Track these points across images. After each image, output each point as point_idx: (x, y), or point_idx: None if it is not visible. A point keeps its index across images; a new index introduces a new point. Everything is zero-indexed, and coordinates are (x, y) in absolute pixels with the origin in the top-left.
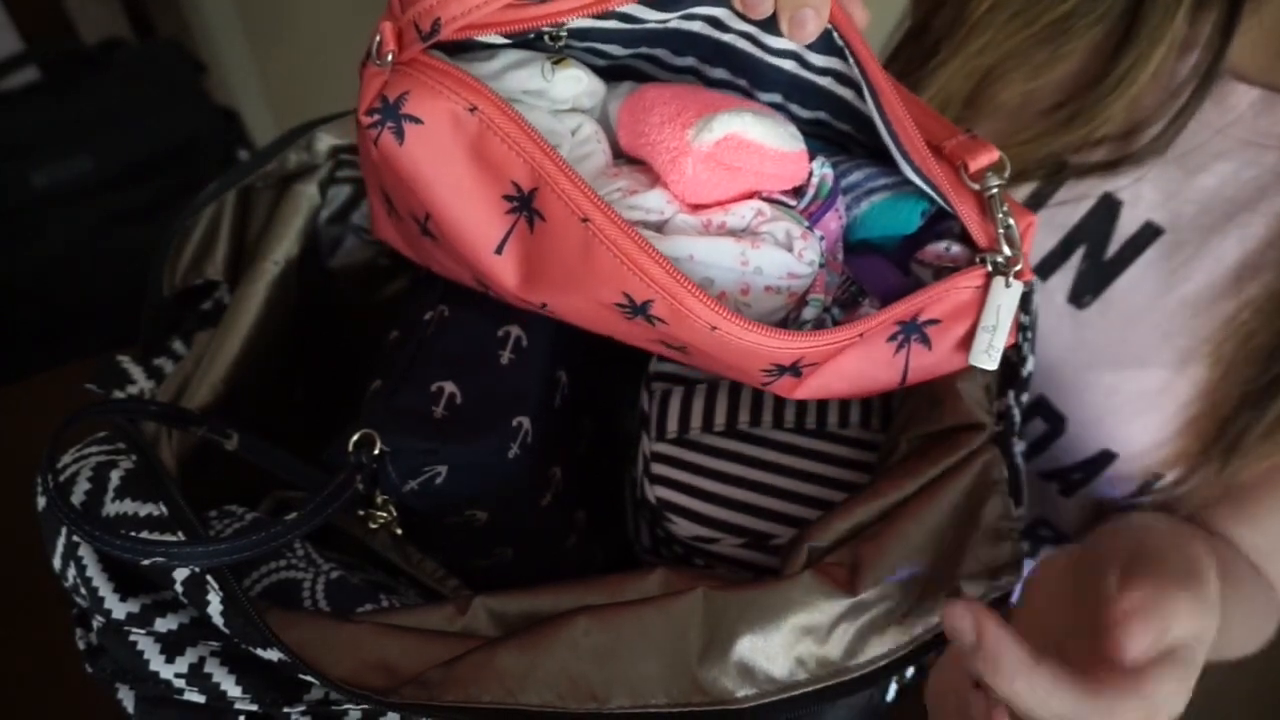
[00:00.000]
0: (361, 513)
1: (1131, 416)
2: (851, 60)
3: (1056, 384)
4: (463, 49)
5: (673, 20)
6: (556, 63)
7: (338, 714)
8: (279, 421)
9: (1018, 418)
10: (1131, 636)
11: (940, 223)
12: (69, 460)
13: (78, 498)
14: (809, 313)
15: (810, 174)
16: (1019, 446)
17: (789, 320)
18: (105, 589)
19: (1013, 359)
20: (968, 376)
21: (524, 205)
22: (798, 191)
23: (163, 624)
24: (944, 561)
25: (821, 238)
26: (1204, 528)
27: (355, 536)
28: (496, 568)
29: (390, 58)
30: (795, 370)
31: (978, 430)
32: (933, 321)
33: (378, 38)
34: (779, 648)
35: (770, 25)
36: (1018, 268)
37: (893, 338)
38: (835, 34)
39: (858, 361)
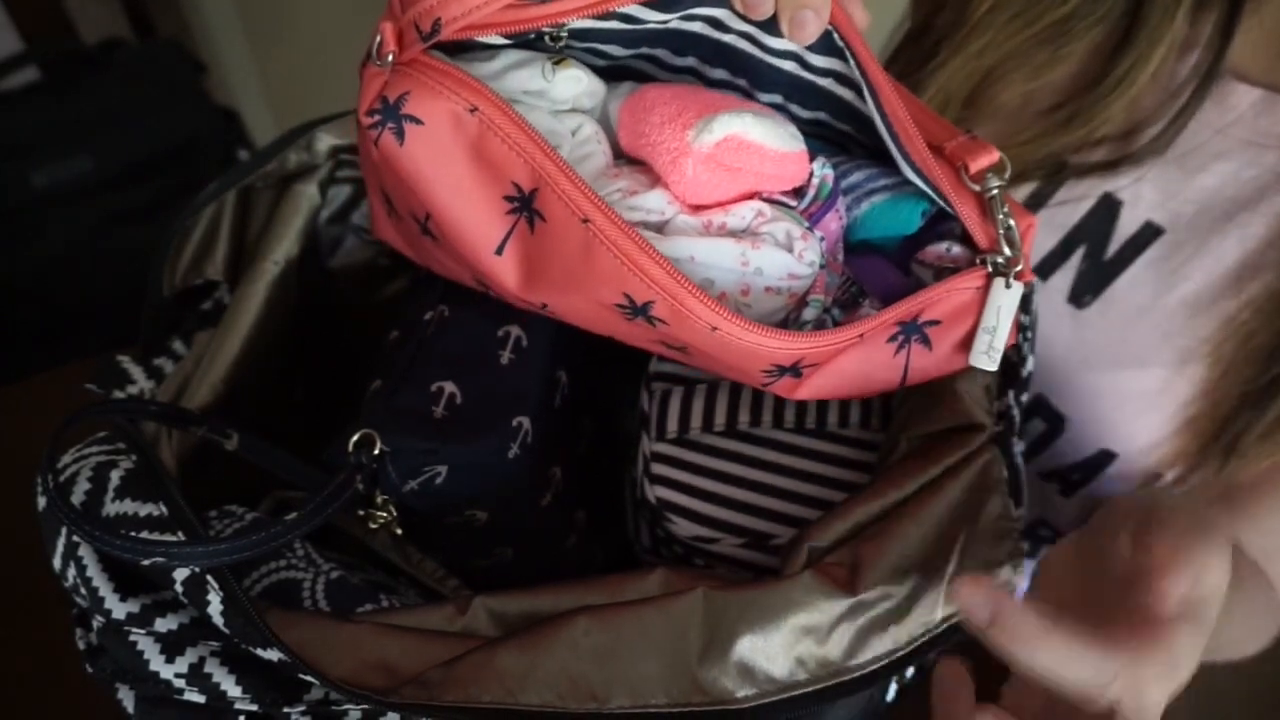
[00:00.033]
0: (361, 513)
1: (1131, 416)
2: (852, 61)
3: (1056, 384)
4: (463, 49)
5: (673, 21)
6: (557, 63)
7: (338, 714)
8: (279, 421)
9: (1018, 418)
10: (1170, 583)
11: (941, 223)
12: (69, 460)
13: (78, 498)
14: (809, 313)
15: (811, 175)
16: (1019, 446)
17: (789, 321)
18: (105, 589)
19: (1013, 359)
20: (968, 376)
21: (524, 206)
22: (798, 192)
23: (163, 624)
24: (944, 561)
25: (822, 238)
26: None
27: (355, 536)
28: (496, 568)
29: (390, 58)
30: (795, 371)
31: (978, 430)
32: (933, 322)
33: (378, 38)
34: (779, 648)
35: (770, 26)
36: (1018, 269)
37: (893, 338)
38: (835, 35)
39: (858, 362)
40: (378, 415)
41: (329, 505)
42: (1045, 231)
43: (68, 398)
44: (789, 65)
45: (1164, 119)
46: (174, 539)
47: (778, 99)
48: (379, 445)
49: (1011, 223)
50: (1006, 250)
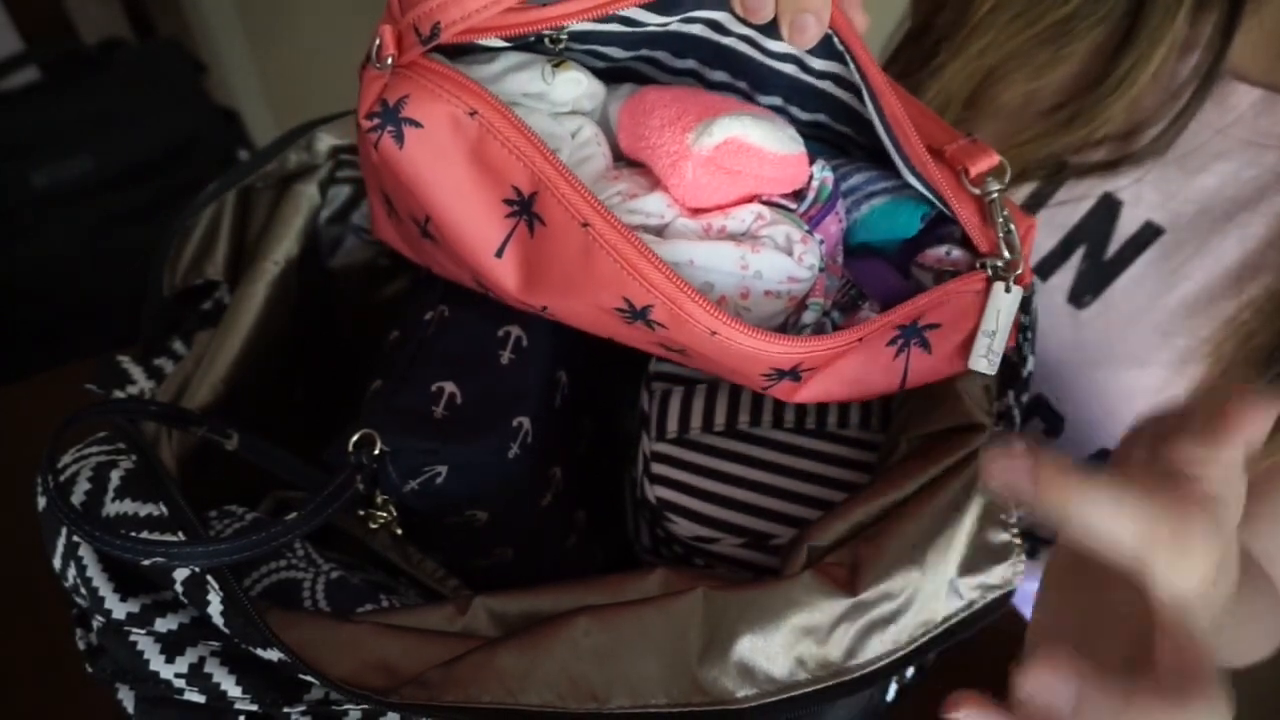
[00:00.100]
0: (361, 513)
1: (1131, 416)
2: (852, 65)
3: (1056, 384)
4: (463, 52)
5: (673, 24)
6: (556, 65)
7: (338, 714)
8: (279, 421)
9: (1018, 418)
10: (1254, 411)
11: (940, 226)
12: (69, 460)
13: (78, 498)
14: (809, 316)
15: (810, 177)
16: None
17: (789, 324)
18: (105, 589)
19: (1013, 359)
20: (968, 377)
21: (524, 209)
22: (798, 195)
23: (163, 624)
24: (944, 562)
25: (821, 241)
26: None
27: (355, 536)
28: (496, 568)
29: (390, 61)
30: (795, 374)
31: (978, 431)
32: (933, 326)
33: (377, 41)
34: (779, 648)
35: (770, 29)
36: (1018, 272)
37: (892, 341)
38: (835, 39)
39: (857, 365)
40: (378, 415)
41: (329, 505)
42: (1045, 231)
43: (68, 398)
44: (789, 68)
45: (1164, 119)
46: (174, 539)
47: (778, 101)
48: (379, 445)
49: (1011, 226)
50: (1006, 254)
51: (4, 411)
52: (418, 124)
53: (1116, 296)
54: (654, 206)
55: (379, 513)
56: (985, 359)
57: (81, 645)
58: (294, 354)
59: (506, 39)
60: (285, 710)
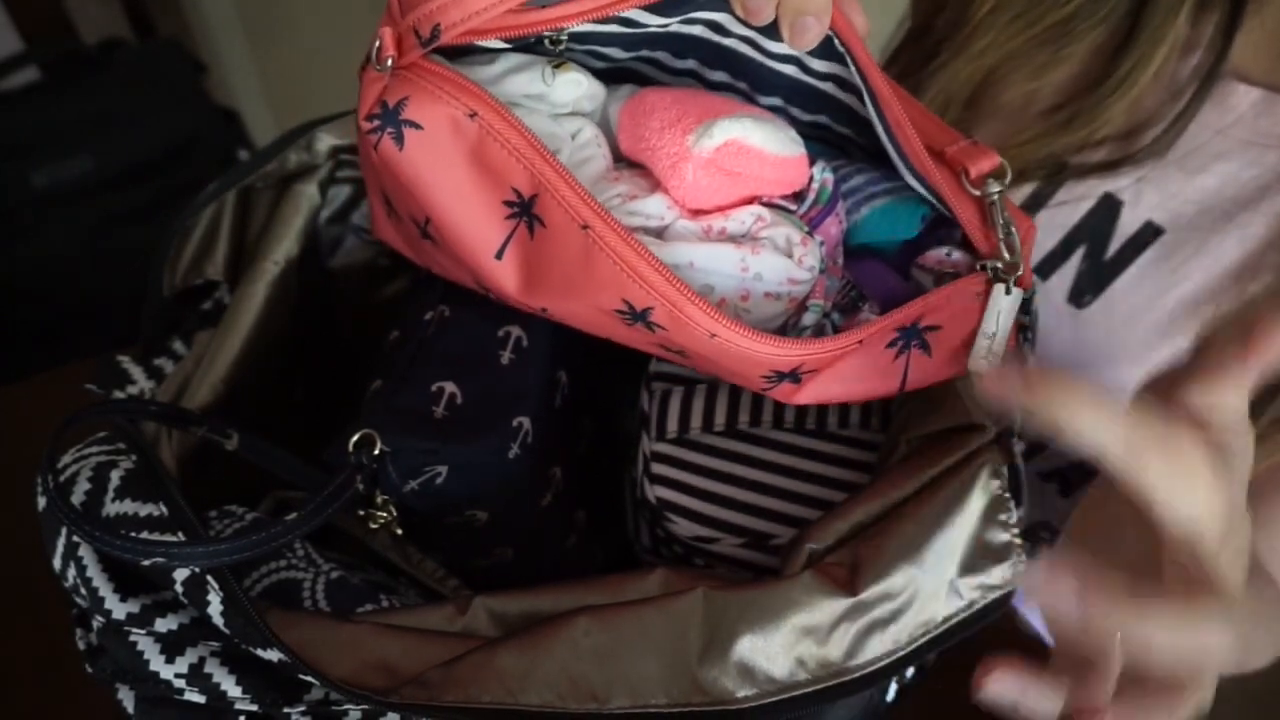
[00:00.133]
0: (362, 513)
1: None
2: (852, 67)
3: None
4: (463, 53)
5: (673, 24)
6: (556, 66)
7: (338, 714)
8: (279, 421)
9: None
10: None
11: (941, 228)
12: (69, 460)
13: (78, 498)
14: (809, 318)
15: (811, 179)
16: (1019, 446)
17: (789, 325)
18: (105, 589)
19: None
20: (968, 378)
21: (524, 211)
22: (798, 196)
23: (163, 624)
24: (944, 562)
25: (822, 243)
26: None
27: (355, 536)
28: (496, 568)
29: (390, 63)
30: (794, 376)
31: (978, 431)
32: (933, 328)
33: (377, 42)
34: (779, 648)
35: (771, 30)
36: (1018, 274)
37: (892, 343)
38: (835, 40)
39: (857, 367)
40: (378, 415)
41: (329, 505)
42: (1045, 231)
43: (68, 398)
44: (789, 69)
45: (1165, 120)
46: (174, 539)
47: (778, 102)
48: (379, 445)
49: (1012, 228)
50: (1006, 255)
51: (4, 411)
52: (418, 126)
53: (1117, 296)
54: (654, 208)
55: (379, 513)
56: (985, 361)
57: (81, 645)
58: (294, 354)
59: (507, 40)
60: (285, 710)
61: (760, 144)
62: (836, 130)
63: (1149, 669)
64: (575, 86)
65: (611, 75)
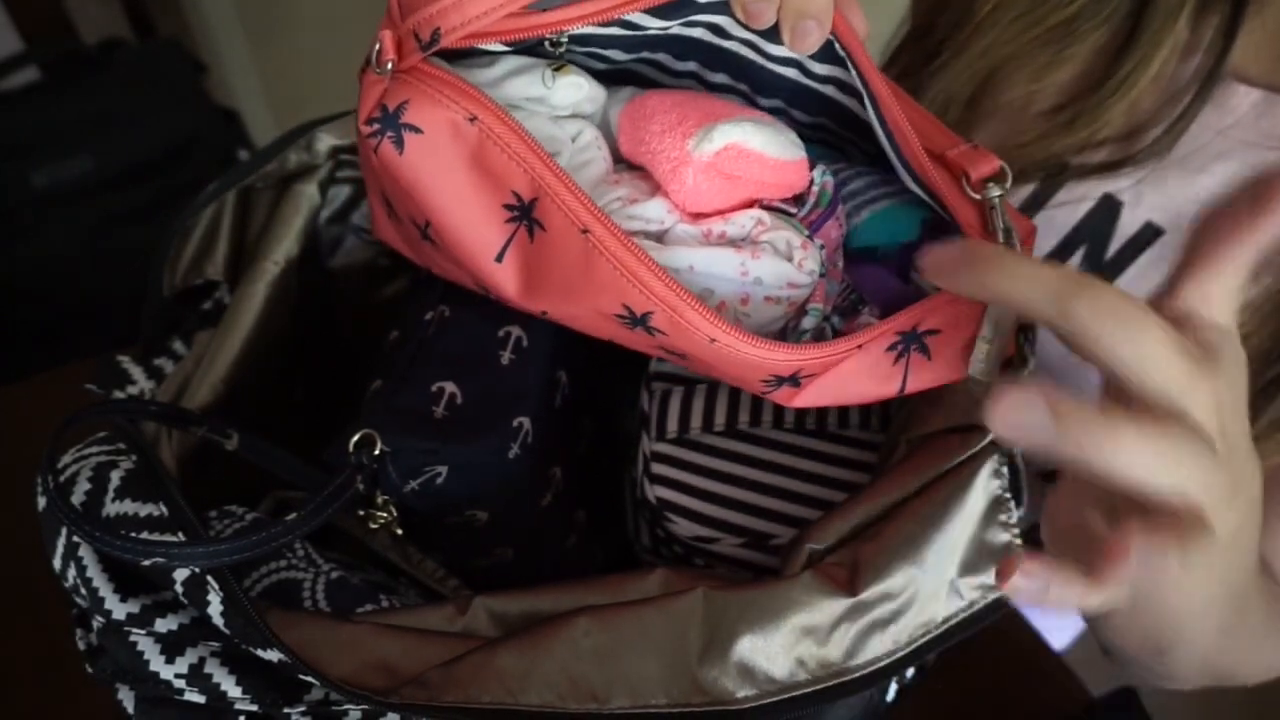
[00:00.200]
0: (362, 513)
1: None
2: (852, 70)
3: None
4: (463, 55)
5: (674, 27)
6: (557, 69)
7: (338, 714)
8: (279, 421)
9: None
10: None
11: (941, 231)
12: (69, 460)
13: (78, 498)
14: (808, 322)
15: (811, 182)
16: (1019, 447)
17: (788, 329)
18: (105, 589)
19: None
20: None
21: (524, 215)
22: (798, 199)
23: (163, 624)
24: (944, 562)
25: (822, 246)
26: None
27: (355, 536)
28: (496, 568)
29: (390, 66)
30: (794, 380)
31: (978, 431)
32: (933, 332)
33: (377, 46)
34: (779, 648)
35: (772, 34)
36: None
37: (892, 347)
38: (836, 43)
39: (857, 371)
40: (378, 415)
41: (329, 505)
42: (1045, 232)
43: (68, 398)
44: (790, 72)
45: (1165, 121)
46: (174, 539)
47: (779, 104)
48: (379, 445)
49: (1013, 233)
50: None
51: (4, 411)
52: (417, 130)
53: None
54: (654, 212)
55: (379, 513)
56: (984, 365)
57: (81, 645)
58: (294, 354)
59: (507, 43)
60: (285, 710)
61: (760, 148)
62: (837, 133)
63: (1136, 498)
64: (576, 89)
65: (612, 77)
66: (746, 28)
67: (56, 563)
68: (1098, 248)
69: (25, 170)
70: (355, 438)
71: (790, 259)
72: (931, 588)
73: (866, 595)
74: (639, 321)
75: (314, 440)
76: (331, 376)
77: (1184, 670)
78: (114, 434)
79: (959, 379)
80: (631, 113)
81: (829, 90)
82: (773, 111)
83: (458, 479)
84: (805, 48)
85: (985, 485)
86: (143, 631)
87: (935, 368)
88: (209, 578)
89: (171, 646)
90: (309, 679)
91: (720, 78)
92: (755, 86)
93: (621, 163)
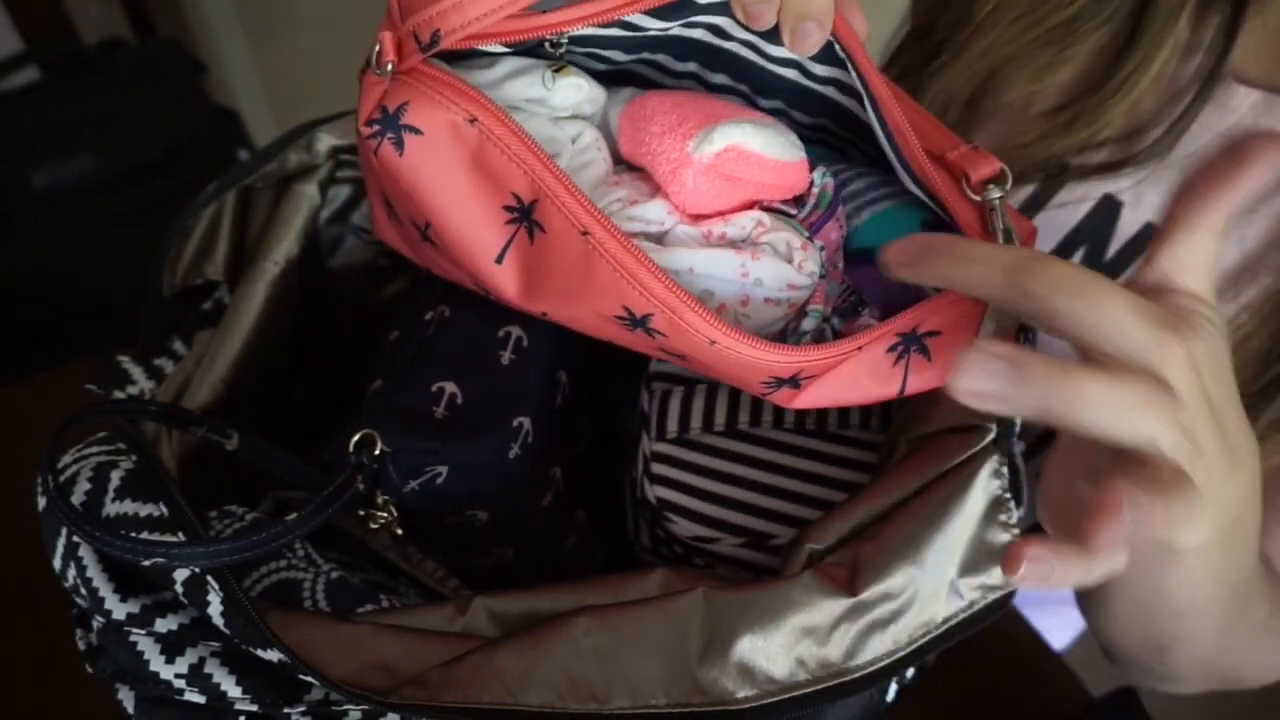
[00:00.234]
0: (362, 513)
1: None
2: (853, 71)
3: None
4: (462, 56)
5: (674, 28)
6: (557, 70)
7: (338, 714)
8: (279, 421)
9: (1018, 419)
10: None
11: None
12: (69, 460)
13: (78, 498)
14: (808, 323)
15: (811, 184)
16: (1019, 447)
17: (788, 330)
18: (105, 589)
19: None
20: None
21: (524, 216)
22: (798, 201)
23: (163, 624)
24: (944, 562)
25: (822, 248)
26: None
27: (355, 536)
28: (496, 568)
29: (390, 67)
30: (794, 382)
31: (978, 431)
32: (933, 333)
33: (377, 47)
34: (779, 648)
35: (772, 35)
36: None
37: (892, 349)
38: (836, 45)
39: (856, 373)
40: (378, 415)
41: (329, 505)
42: (1045, 233)
43: (68, 398)
44: (790, 73)
45: (1166, 121)
46: (174, 539)
47: (779, 105)
48: (379, 445)
49: (1013, 234)
50: None
51: (4, 411)
52: (418, 131)
53: None
54: (654, 213)
55: (379, 513)
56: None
57: (81, 645)
58: (294, 354)
59: (507, 44)
60: (285, 710)
61: (761, 149)
62: (838, 134)
63: (1118, 460)
64: (576, 91)
65: (612, 78)
66: (747, 29)
67: (56, 563)
68: (1098, 248)
69: (25, 170)
70: (355, 438)
71: (790, 260)
72: (931, 588)
73: (866, 595)
74: (639, 323)
75: (314, 440)
76: (331, 376)
77: (1185, 670)
78: (114, 434)
79: None
80: (631, 114)
81: (829, 91)
82: (773, 112)
83: (458, 479)
84: (806, 49)
85: (985, 485)
86: (143, 631)
87: (935, 369)
88: (209, 578)
89: (171, 646)
90: (309, 679)
91: (720, 78)
92: (756, 87)
93: (622, 164)
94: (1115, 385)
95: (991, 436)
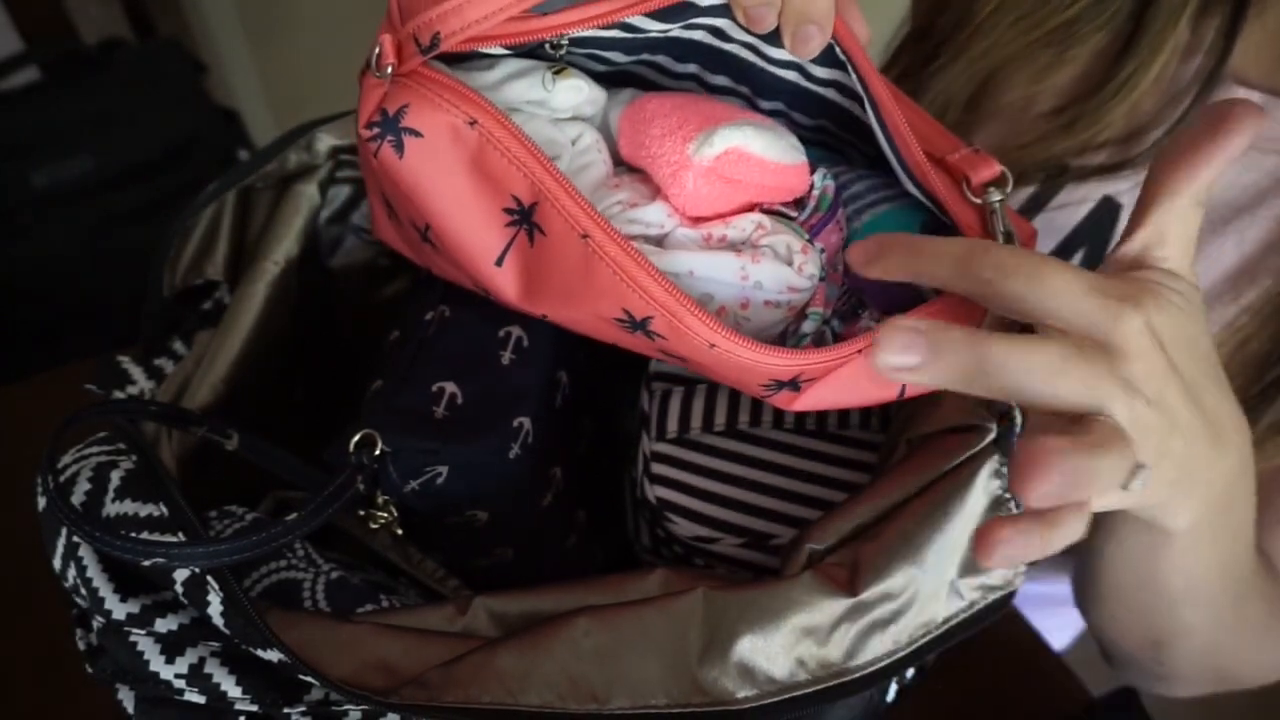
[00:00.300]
0: (362, 513)
1: None
2: (853, 73)
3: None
4: (462, 58)
5: (675, 30)
6: (557, 72)
7: (338, 714)
8: (279, 421)
9: (1019, 419)
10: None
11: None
12: (69, 460)
13: (78, 498)
14: (808, 326)
15: (811, 186)
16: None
17: (788, 333)
18: (105, 589)
19: None
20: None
21: (524, 219)
22: (799, 203)
23: (163, 624)
24: (944, 562)
25: (822, 250)
26: None
27: (355, 536)
28: (496, 568)
29: (390, 69)
30: (794, 385)
31: (978, 431)
32: None
33: (376, 49)
34: (779, 648)
35: (773, 37)
36: None
37: None
38: (837, 47)
39: (856, 375)
40: (378, 415)
41: (329, 505)
42: (1045, 234)
43: (68, 398)
44: (791, 75)
45: (1166, 123)
46: (174, 539)
47: (780, 107)
48: (380, 445)
49: (1014, 237)
50: None
51: (4, 411)
52: (417, 134)
53: None
54: (654, 216)
55: (379, 513)
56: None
57: (81, 645)
58: (294, 354)
59: (507, 46)
60: (285, 710)
61: (761, 152)
62: (838, 135)
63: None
64: (575, 93)
65: (612, 79)
66: (747, 31)
67: (56, 563)
68: (1097, 249)
69: (25, 170)
70: (355, 438)
71: (790, 263)
72: (932, 588)
73: (867, 595)
74: (639, 326)
75: (314, 440)
76: (331, 376)
77: (1184, 669)
78: (114, 434)
79: None
80: (631, 116)
81: (829, 93)
82: (773, 114)
83: (458, 479)
84: (807, 53)
85: (985, 485)
86: (143, 631)
87: None
88: (209, 578)
89: (171, 646)
90: (309, 679)
91: (721, 80)
92: (756, 89)
93: (622, 165)
94: (1045, 351)
95: (992, 436)
